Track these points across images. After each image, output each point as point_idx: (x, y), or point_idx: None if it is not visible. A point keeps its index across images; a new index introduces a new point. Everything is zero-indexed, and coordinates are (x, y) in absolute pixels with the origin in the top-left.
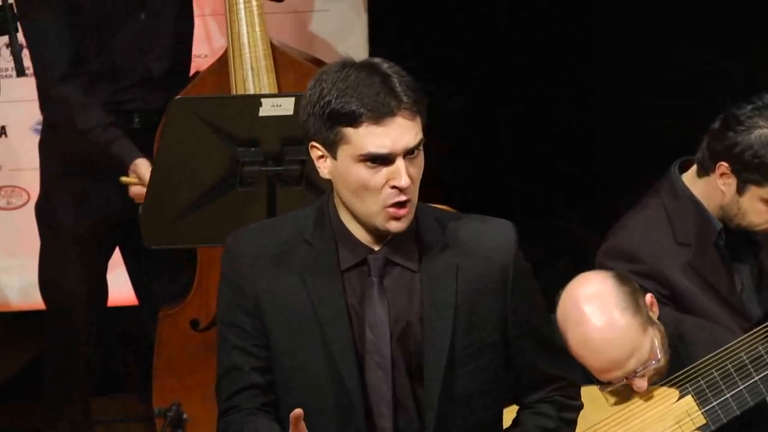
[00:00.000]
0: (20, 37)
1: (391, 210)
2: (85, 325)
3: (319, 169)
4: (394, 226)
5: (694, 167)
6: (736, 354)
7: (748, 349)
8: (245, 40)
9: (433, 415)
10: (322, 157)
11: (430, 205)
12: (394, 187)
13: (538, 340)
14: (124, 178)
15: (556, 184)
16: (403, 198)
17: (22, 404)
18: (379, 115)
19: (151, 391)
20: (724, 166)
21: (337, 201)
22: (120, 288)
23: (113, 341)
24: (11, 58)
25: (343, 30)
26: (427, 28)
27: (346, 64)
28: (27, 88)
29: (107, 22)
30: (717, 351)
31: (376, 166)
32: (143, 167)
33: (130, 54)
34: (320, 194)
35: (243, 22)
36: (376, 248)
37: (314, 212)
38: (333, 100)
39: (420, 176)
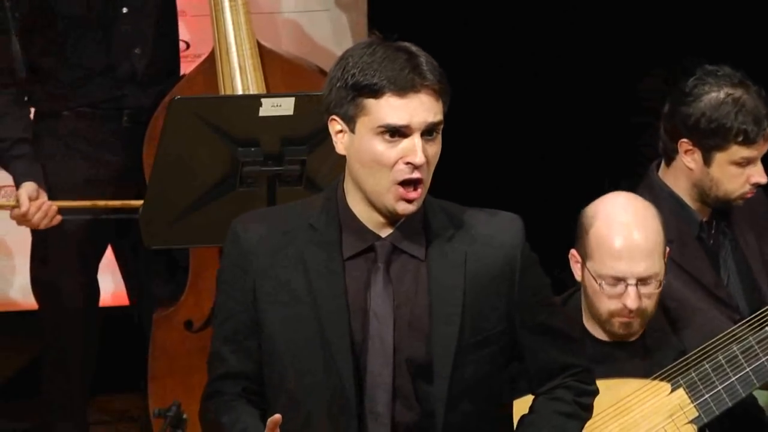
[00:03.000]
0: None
1: (402, 190)
2: (81, 325)
3: (335, 145)
4: (403, 207)
5: (663, 161)
6: (728, 346)
7: (739, 341)
8: (231, 39)
9: (443, 404)
10: (340, 131)
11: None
12: (408, 163)
13: (548, 329)
14: (1, 201)
15: (557, 185)
16: (415, 176)
17: (22, 404)
18: (402, 87)
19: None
20: (685, 142)
21: (347, 185)
22: (120, 287)
23: (112, 341)
24: None
25: (343, 30)
26: (428, 29)
27: (374, 43)
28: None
29: (89, 18)
30: (708, 342)
31: (393, 140)
32: (23, 191)
33: (116, 51)
34: None
35: (228, 21)
36: (383, 234)
37: (322, 198)
38: (357, 73)
39: (435, 162)
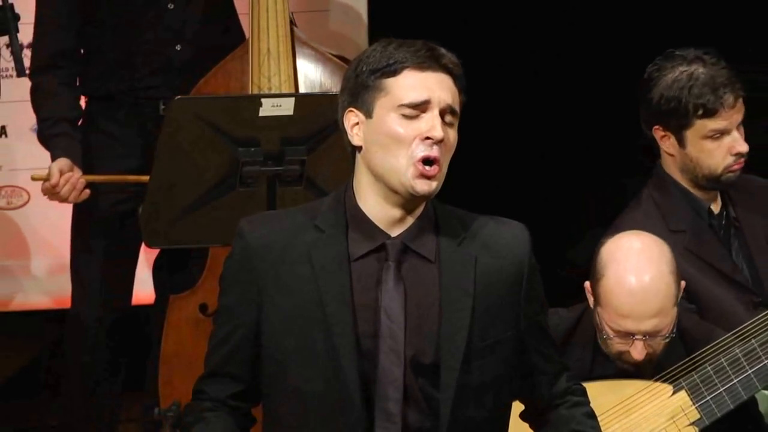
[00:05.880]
0: (20, 37)
1: (421, 166)
2: (100, 325)
3: (351, 139)
4: (421, 185)
5: None
6: (730, 348)
7: (741, 344)
8: (265, 23)
9: (448, 407)
10: (356, 124)
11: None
12: (426, 138)
13: (547, 331)
14: (33, 174)
15: (557, 184)
16: (434, 153)
17: (22, 404)
18: (420, 63)
19: (151, 392)
20: (657, 129)
21: (357, 185)
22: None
23: (114, 341)
24: (11, 58)
25: (343, 30)
26: (428, 28)
27: (386, 40)
28: (27, 88)
29: (134, 8)
30: (710, 345)
31: (411, 117)
32: (55, 165)
33: (159, 41)
34: (320, 194)
35: (264, 7)
36: (393, 234)
37: (329, 200)
38: (374, 60)
39: (453, 148)
